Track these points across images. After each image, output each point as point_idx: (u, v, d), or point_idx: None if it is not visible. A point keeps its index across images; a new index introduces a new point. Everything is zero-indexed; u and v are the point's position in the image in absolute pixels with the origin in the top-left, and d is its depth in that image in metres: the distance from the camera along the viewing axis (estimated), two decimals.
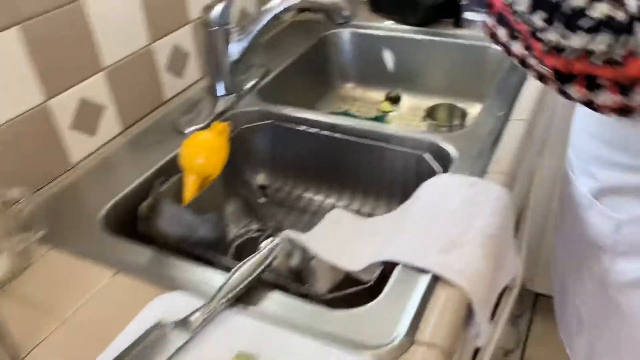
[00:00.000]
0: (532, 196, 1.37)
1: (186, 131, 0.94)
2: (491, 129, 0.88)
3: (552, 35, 0.53)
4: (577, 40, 0.52)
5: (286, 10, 0.95)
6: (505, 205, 0.70)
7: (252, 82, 1.08)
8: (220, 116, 0.98)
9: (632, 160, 0.66)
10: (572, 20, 0.51)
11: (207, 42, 0.97)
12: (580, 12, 0.51)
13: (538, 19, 0.54)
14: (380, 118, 1.25)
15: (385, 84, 1.32)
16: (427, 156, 0.85)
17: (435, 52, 1.24)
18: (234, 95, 1.02)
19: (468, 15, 1.25)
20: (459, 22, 1.27)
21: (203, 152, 0.83)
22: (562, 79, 0.56)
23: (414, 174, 0.88)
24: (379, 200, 0.96)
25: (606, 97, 0.53)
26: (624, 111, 0.54)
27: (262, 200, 1.02)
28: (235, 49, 0.98)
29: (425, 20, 1.28)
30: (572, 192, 0.80)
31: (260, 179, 1.05)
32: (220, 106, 1.00)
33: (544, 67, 0.57)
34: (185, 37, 1.05)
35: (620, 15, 0.49)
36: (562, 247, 0.89)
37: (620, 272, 0.73)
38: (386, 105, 1.29)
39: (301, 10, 0.95)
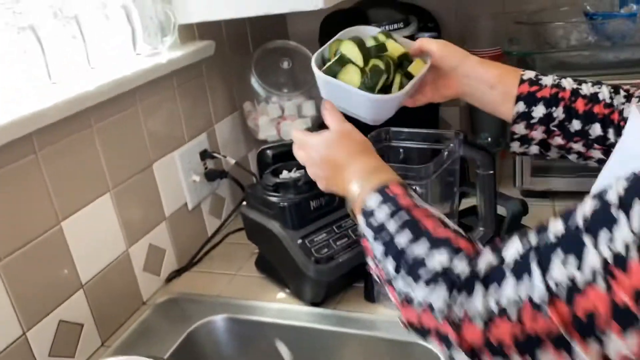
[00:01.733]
0: None
1: None
2: None
3: (401, 284, 0.52)
4: (419, 292, 0.50)
5: None
6: None
7: None
8: None
9: None
10: (414, 269, 0.51)
11: None
12: (420, 262, 0.50)
13: (390, 267, 0.53)
14: None
15: None
16: None
17: (346, 346, 0.89)
18: None
19: (381, 287, 0.92)
20: (370, 295, 0.93)
21: None
22: (418, 333, 0.51)
23: None
24: None
25: (461, 357, 0.46)
26: None
27: None
28: None
29: (326, 296, 0.94)
30: None
31: None
32: None
33: (400, 317, 0.53)
34: None
35: (461, 269, 0.47)
36: None
37: None
38: None
39: None
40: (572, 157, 0.77)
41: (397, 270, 0.53)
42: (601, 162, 0.72)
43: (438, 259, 0.50)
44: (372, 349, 0.87)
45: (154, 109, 1.04)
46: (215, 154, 1.18)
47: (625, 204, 0.37)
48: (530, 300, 0.41)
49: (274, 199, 0.94)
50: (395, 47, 0.79)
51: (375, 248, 0.56)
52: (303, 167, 0.98)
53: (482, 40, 1.29)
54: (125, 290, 0.98)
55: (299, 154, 0.75)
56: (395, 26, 1.14)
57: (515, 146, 0.79)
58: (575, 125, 0.73)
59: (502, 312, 0.43)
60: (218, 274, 1.09)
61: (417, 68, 0.78)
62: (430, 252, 0.51)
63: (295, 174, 0.99)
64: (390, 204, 0.57)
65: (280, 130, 1.20)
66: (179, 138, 1.11)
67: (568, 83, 0.75)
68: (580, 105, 0.73)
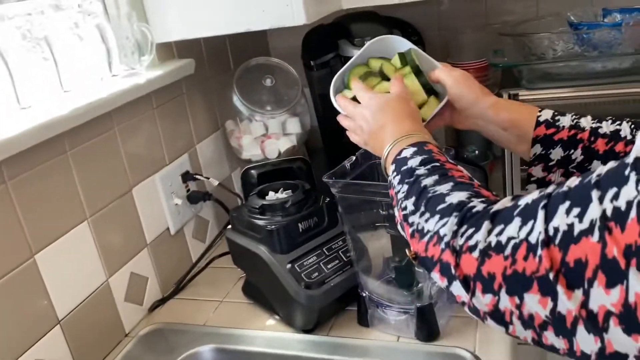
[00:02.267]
0: None
1: None
2: None
3: (416, 218, 0.55)
4: (431, 223, 0.53)
5: None
6: None
7: None
8: None
9: None
10: (433, 204, 0.54)
11: None
12: (440, 197, 0.53)
13: (410, 204, 0.57)
14: None
15: None
16: None
17: None
18: None
19: (375, 311, 0.88)
20: (364, 320, 0.89)
21: None
22: (423, 264, 0.55)
23: None
24: None
25: (457, 289, 0.49)
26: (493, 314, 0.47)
27: None
28: None
29: (318, 322, 0.91)
30: None
31: None
32: None
33: (409, 253, 0.58)
34: None
35: (476, 205, 0.50)
36: None
37: None
38: None
39: None
40: None
41: (415, 206, 0.56)
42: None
43: (457, 196, 0.52)
44: None
45: (133, 131, 1.00)
46: (197, 176, 1.14)
47: (637, 165, 0.37)
48: (527, 240, 0.43)
49: (260, 222, 0.91)
50: (413, 89, 0.79)
51: (399, 190, 0.60)
52: (290, 188, 0.97)
53: (467, 52, 1.28)
54: (105, 322, 0.93)
55: (348, 108, 0.78)
56: None
57: (533, 188, 0.77)
58: (596, 166, 0.71)
59: (499, 246, 0.45)
60: (204, 301, 1.04)
61: (430, 110, 0.79)
62: (451, 191, 0.54)
63: (282, 194, 0.96)
64: (424, 155, 0.61)
65: (264, 149, 1.17)
66: (159, 160, 1.07)
67: (587, 122, 0.74)
68: (600, 145, 0.72)
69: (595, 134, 0.72)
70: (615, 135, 0.71)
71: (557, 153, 0.74)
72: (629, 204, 0.36)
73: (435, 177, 0.57)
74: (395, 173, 0.62)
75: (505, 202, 0.48)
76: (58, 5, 0.85)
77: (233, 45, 1.34)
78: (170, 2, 1.00)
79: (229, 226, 0.99)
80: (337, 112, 0.80)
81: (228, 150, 1.29)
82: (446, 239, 0.50)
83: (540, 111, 0.76)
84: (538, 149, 0.75)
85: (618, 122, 0.72)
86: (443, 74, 0.80)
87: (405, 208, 0.58)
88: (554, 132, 0.74)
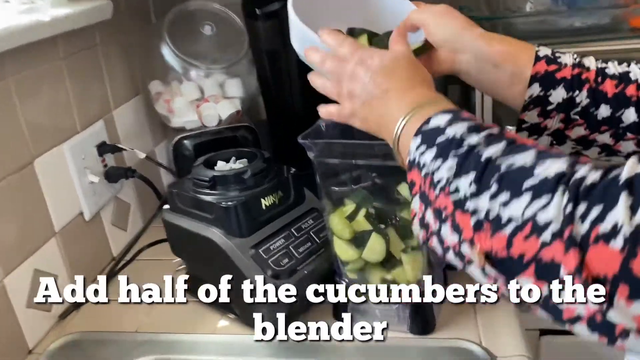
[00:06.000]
0: None
1: None
2: None
3: (483, 201, 0.41)
4: (516, 207, 0.38)
5: None
6: None
7: None
8: None
9: None
10: (512, 177, 0.40)
11: None
12: (523, 170, 0.40)
13: (466, 183, 0.42)
14: None
15: None
16: None
17: None
18: None
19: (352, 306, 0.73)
20: (341, 313, 0.74)
21: None
22: (501, 267, 0.40)
23: None
24: None
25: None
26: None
27: None
28: None
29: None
30: None
31: None
32: None
33: (474, 252, 0.41)
34: None
35: (587, 174, 0.37)
36: None
37: None
38: None
39: None
40: (592, 151, 0.64)
41: (479, 184, 0.41)
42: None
43: (552, 167, 0.38)
44: None
45: (33, 85, 0.77)
46: (120, 147, 0.92)
47: None
48: None
49: (211, 199, 0.72)
50: None
51: (437, 168, 0.45)
52: (244, 157, 0.79)
53: None
54: (1, 336, 0.70)
55: (329, 64, 0.59)
56: None
57: (524, 136, 0.65)
58: (603, 111, 0.61)
59: None
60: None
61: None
62: (539, 160, 0.40)
63: (235, 164, 0.77)
64: (469, 122, 0.46)
65: (201, 114, 0.97)
66: (68, 127, 0.85)
67: (591, 62, 0.63)
68: (609, 87, 0.61)
69: (602, 74, 0.62)
70: (625, 77, 0.62)
71: (558, 94, 0.63)
72: None
73: (501, 145, 0.43)
74: (424, 146, 0.47)
75: (634, 167, 0.35)
76: None
77: None
78: None
79: (166, 206, 0.79)
80: (293, 71, 0.62)
81: (152, 119, 1.07)
82: (554, 227, 0.36)
83: (538, 47, 0.65)
84: (536, 89, 0.63)
85: (626, 64, 0.63)
86: (417, 16, 0.65)
87: (456, 190, 0.43)
88: (555, 69, 0.62)
